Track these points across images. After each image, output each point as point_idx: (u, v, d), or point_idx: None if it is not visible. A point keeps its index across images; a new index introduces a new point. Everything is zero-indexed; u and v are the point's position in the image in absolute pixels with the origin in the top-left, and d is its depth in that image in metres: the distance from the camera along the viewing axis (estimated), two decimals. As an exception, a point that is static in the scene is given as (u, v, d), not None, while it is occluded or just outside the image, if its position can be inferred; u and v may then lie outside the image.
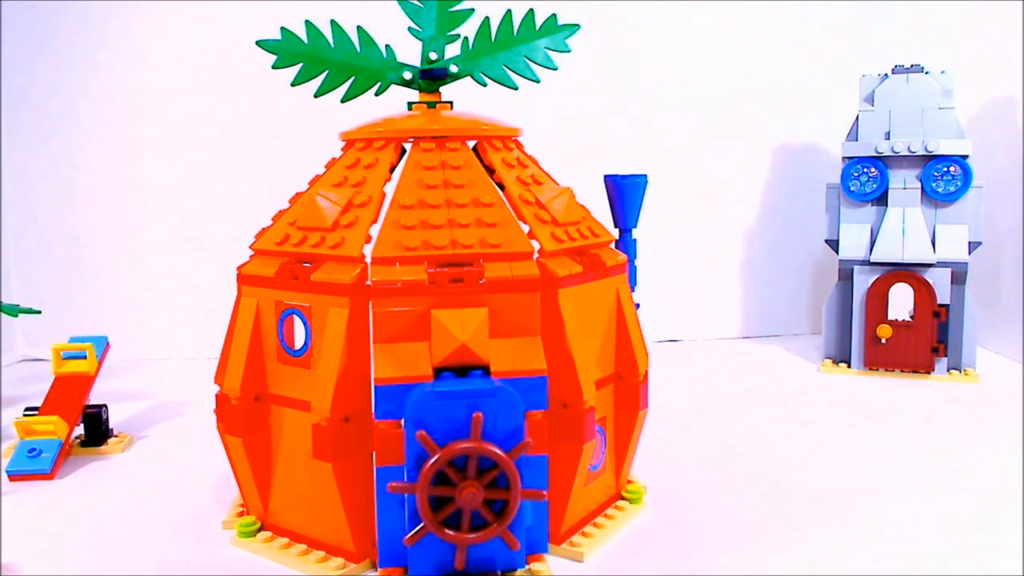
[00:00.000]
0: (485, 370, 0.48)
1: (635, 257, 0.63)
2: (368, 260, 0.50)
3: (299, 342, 0.52)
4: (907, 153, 0.94)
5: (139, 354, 1.11)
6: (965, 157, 0.93)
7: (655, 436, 0.73)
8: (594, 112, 1.15)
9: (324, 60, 0.57)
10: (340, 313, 0.49)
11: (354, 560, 0.51)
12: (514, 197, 0.54)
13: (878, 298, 0.96)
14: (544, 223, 0.54)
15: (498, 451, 0.45)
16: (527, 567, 0.50)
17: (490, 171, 0.55)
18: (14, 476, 0.68)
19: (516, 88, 0.60)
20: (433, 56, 0.58)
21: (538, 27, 0.60)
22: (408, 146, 0.55)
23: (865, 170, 0.96)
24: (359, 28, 0.58)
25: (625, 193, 0.63)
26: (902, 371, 0.96)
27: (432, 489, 0.45)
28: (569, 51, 0.60)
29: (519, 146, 0.59)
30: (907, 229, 0.95)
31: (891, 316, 0.96)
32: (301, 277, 0.51)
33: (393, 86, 0.58)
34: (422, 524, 0.46)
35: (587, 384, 0.51)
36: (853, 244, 0.98)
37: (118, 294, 1.15)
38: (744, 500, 0.61)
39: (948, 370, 0.95)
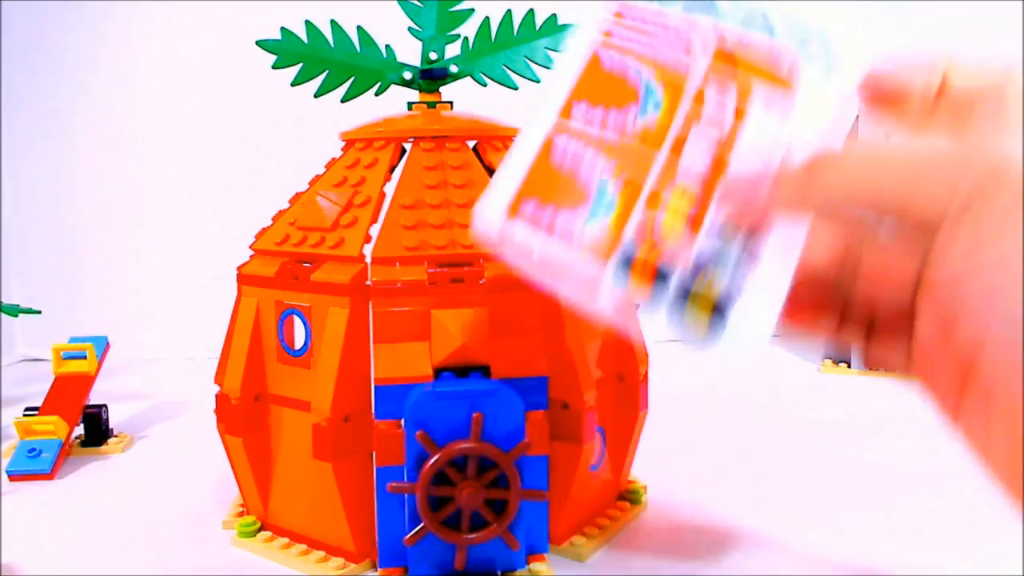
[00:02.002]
0: (485, 370, 0.48)
1: (635, 257, 0.63)
2: (368, 260, 0.50)
3: (299, 342, 0.52)
4: (907, 153, 0.94)
5: (139, 354, 1.11)
6: (965, 157, 0.93)
7: (655, 436, 0.73)
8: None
9: (324, 60, 0.57)
10: (340, 313, 0.49)
11: (354, 560, 0.51)
12: (514, 197, 0.54)
13: (878, 298, 0.95)
14: (544, 223, 0.53)
15: (498, 451, 0.45)
16: (527, 567, 0.50)
17: (490, 171, 0.55)
18: (14, 476, 0.68)
19: (516, 88, 0.60)
20: (433, 56, 0.58)
21: (538, 27, 0.60)
22: (408, 146, 0.55)
23: (865, 170, 0.96)
24: (359, 28, 0.58)
25: (625, 193, 0.63)
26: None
27: (432, 489, 0.45)
28: (569, 51, 0.60)
29: (519, 146, 0.59)
30: (907, 229, 0.95)
31: (891, 316, 0.96)
32: (301, 277, 0.51)
33: (393, 86, 0.58)
34: (422, 524, 0.46)
35: (587, 384, 0.51)
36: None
37: (118, 294, 1.15)
38: (744, 500, 0.61)
39: (948, 370, 0.95)
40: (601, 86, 0.38)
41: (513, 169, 0.37)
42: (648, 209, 0.37)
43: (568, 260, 0.36)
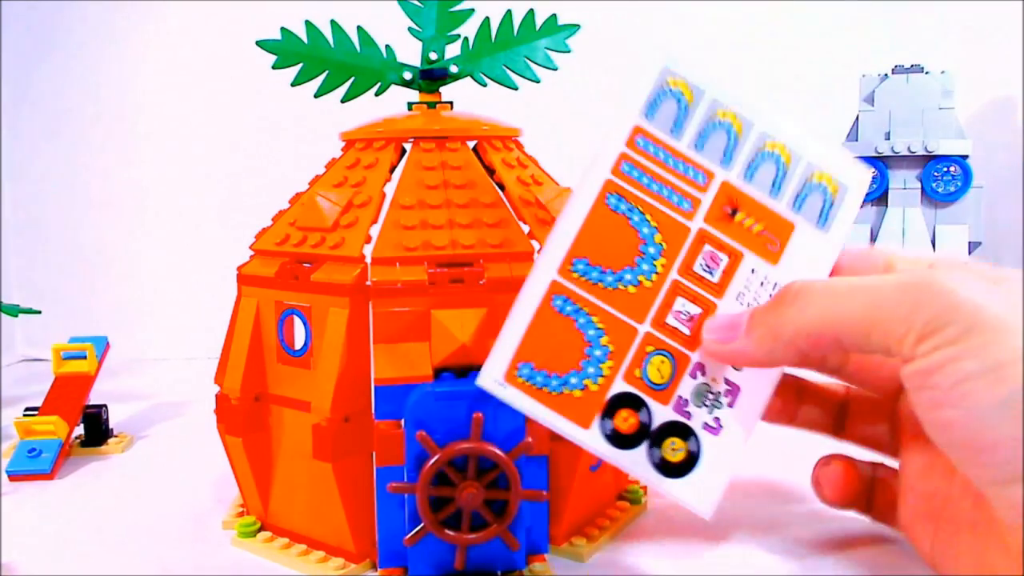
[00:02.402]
0: (485, 370, 0.48)
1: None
2: (368, 260, 0.50)
3: (299, 342, 0.52)
4: (907, 153, 0.94)
5: (139, 354, 1.11)
6: (965, 157, 0.93)
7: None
8: (594, 112, 1.14)
9: (324, 60, 0.57)
10: (340, 313, 0.49)
11: (354, 560, 0.51)
12: (514, 197, 0.54)
13: (878, 298, 0.96)
14: (544, 223, 0.53)
15: (498, 451, 0.45)
16: (527, 567, 0.50)
17: (490, 171, 0.55)
18: (14, 476, 0.68)
19: (516, 88, 0.60)
20: (433, 56, 0.58)
21: (538, 27, 0.60)
22: (408, 146, 0.55)
23: (865, 170, 0.96)
24: (359, 28, 0.58)
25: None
26: (902, 371, 0.96)
27: (432, 489, 0.45)
28: (569, 51, 0.60)
29: (519, 146, 0.59)
30: (907, 229, 0.95)
31: (891, 316, 0.96)
32: (301, 277, 0.51)
33: (393, 86, 0.58)
34: (422, 524, 0.46)
35: (587, 384, 0.51)
36: (853, 244, 0.98)
37: (118, 294, 1.15)
38: (744, 500, 0.61)
39: (948, 370, 0.95)
40: (604, 227, 0.43)
41: (513, 330, 0.42)
42: (632, 370, 0.43)
43: (557, 424, 0.42)
